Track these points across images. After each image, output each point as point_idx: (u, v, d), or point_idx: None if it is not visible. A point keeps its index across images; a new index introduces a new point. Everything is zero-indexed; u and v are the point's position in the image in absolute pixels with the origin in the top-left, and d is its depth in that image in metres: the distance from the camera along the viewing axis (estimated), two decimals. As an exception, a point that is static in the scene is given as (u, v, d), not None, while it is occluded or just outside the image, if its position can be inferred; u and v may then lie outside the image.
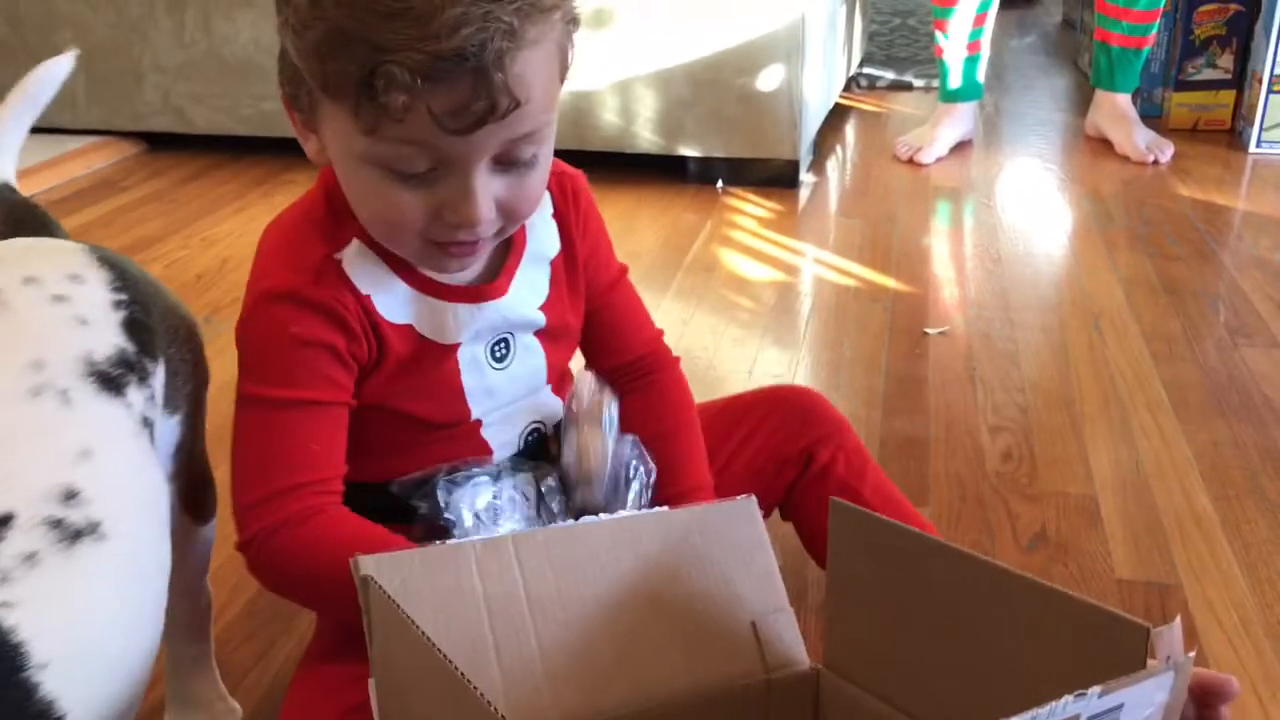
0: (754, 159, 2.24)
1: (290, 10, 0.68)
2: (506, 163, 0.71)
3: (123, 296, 0.70)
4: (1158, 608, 1.02)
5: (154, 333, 0.71)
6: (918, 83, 3.11)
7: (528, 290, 0.84)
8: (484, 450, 0.85)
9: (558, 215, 0.86)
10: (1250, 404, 1.38)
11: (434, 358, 0.81)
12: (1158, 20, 2.37)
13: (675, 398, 0.93)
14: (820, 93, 2.37)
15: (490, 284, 0.82)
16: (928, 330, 1.61)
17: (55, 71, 0.89)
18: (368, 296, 0.78)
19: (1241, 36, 2.55)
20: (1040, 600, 0.61)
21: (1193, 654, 0.56)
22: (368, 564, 0.62)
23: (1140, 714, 0.52)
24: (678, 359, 0.96)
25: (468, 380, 0.83)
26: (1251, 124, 2.45)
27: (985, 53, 2.43)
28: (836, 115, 2.76)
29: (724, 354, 1.54)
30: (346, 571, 0.62)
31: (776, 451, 0.95)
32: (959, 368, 1.50)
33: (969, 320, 1.65)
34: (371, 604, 0.59)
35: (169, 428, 0.74)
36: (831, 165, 2.47)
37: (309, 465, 0.76)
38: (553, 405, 0.89)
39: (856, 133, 2.75)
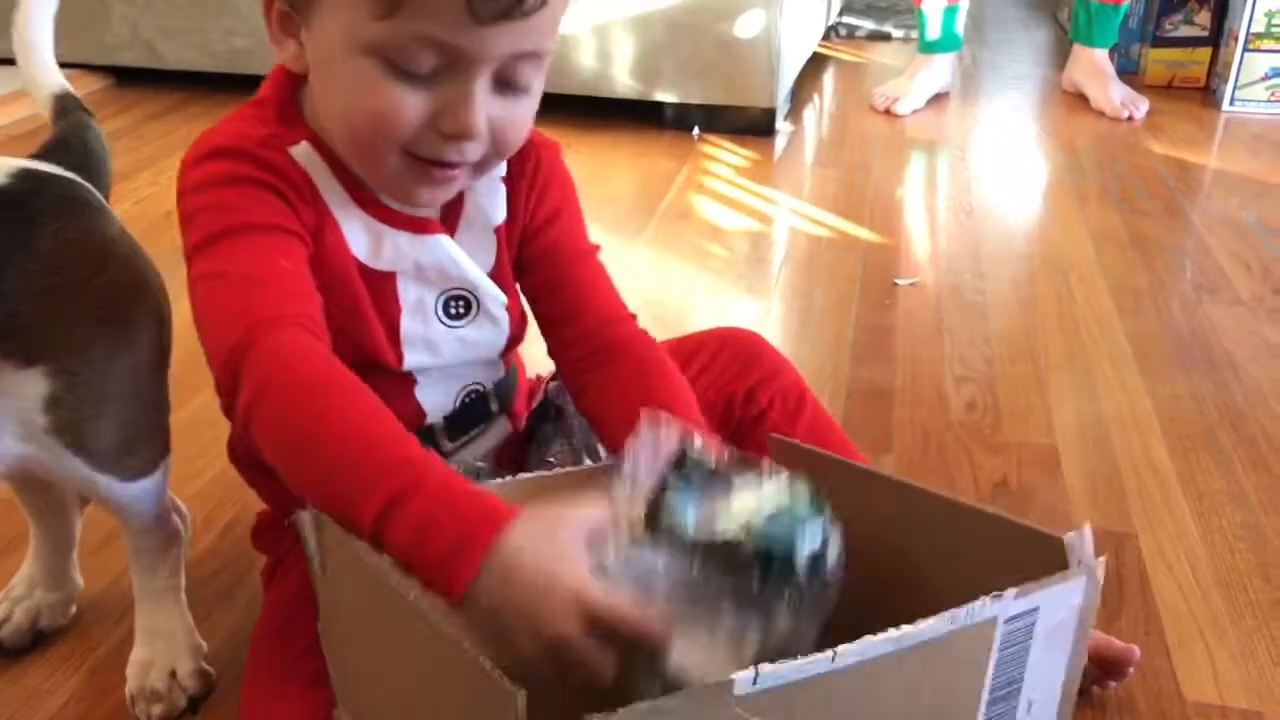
0: (731, 106, 2.23)
1: None
2: (505, 83, 0.70)
3: None
4: (1112, 556, 1.04)
5: None
6: (896, 33, 3.09)
7: (477, 250, 0.80)
8: (417, 413, 0.82)
9: (508, 181, 0.81)
10: (1211, 359, 1.40)
11: (370, 283, 0.77)
12: None
13: (657, 370, 0.79)
14: (799, 41, 2.36)
15: (432, 220, 0.78)
16: (898, 281, 1.62)
17: None
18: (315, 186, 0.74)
19: (1220, -7, 2.55)
20: (961, 519, 0.64)
21: (1103, 559, 0.57)
22: (306, 520, 0.63)
23: (1056, 617, 0.55)
24: (654, 341, 0.83)
25: (408, 323, 0.79)
26: (1226, 82, 2.46)
27: (964, 4, 2.42)
28: (814, 64, 2.75)
29: (696, 302, 1.54)
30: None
31: (724, 390, 0.94)
32: (928, 318, 1.51)
33: (939, 272, 1.66)
34: (324, 541, 0.60)
35: (22, 379, 0.73)
36: (808, 114, 2.46)
37: (281, 290, 0.67)
38: (496, 370, 0.86)
39: (834, 82, 2.74)
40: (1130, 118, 2.39)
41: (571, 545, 0.59)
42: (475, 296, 0.81)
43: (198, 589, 0.96)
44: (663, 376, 0.79)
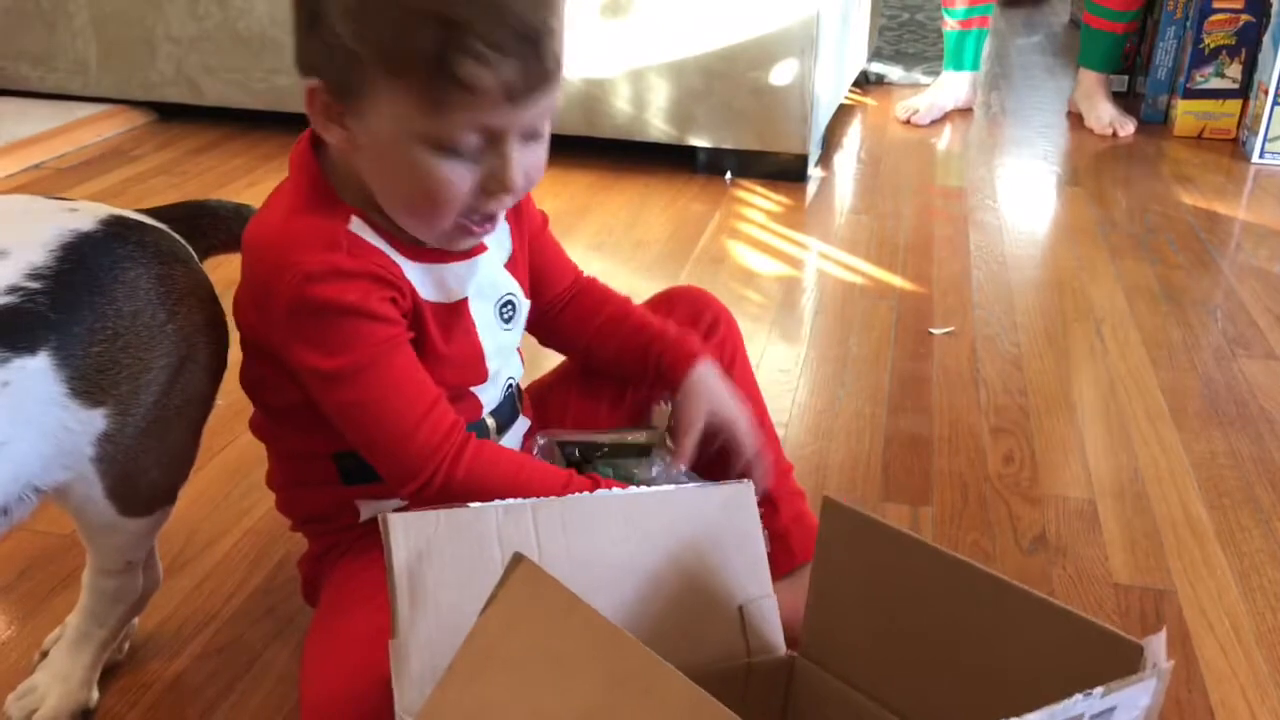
0: (763, 152, 2.25)
1: None
2: (528, 136, 0.78)
3: (34, 285, 0.73)
4: (1153, 613, 1.05)
5: (49, 328, 0.73)
6: (925, 79, 3.12)
7: (499, 245, 0.89)
8: (476, 408, 0.89)
9: None
10: (1247, 414, 1.41)
11: (453, 316, 0.84)
12: (1137, 8, 2.62)
13: (605, 296, 1.00)
14: (831, 88, 2.39)
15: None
16: (933, 330, 1.63)
17: None
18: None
19: (1251, 47, 2.57)
20: (1027, 608, 0.64)
21: (1172, 663, 0.59)
22: (395, 522, 0.64)
23: (1128, 716, 0.56)
24: (597, 281, 1.02)
25: (486, 342, 0.87)
26: (1256, 134, 2.47)
27: (979, 30, 2.70)
28: (845, 110, 2.78)
29: (732, 347, 1.56)
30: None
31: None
32: (963, 368, 1.52)
33: (973, 321, 1.67)
34: (517, 574, 0.60)
35: (86, 417, 0.76)
36: (839, 160, 2.49)
37: (426, 386, 0.80)
38: (519, 361, 0.96)
39: (864, 128, 2.77)
40: (1115, 135, 2.61)
41: None
42: (515, 298, 0.90)
43: (250, 628, 0.98)
44: (610, 304, 0.99)
